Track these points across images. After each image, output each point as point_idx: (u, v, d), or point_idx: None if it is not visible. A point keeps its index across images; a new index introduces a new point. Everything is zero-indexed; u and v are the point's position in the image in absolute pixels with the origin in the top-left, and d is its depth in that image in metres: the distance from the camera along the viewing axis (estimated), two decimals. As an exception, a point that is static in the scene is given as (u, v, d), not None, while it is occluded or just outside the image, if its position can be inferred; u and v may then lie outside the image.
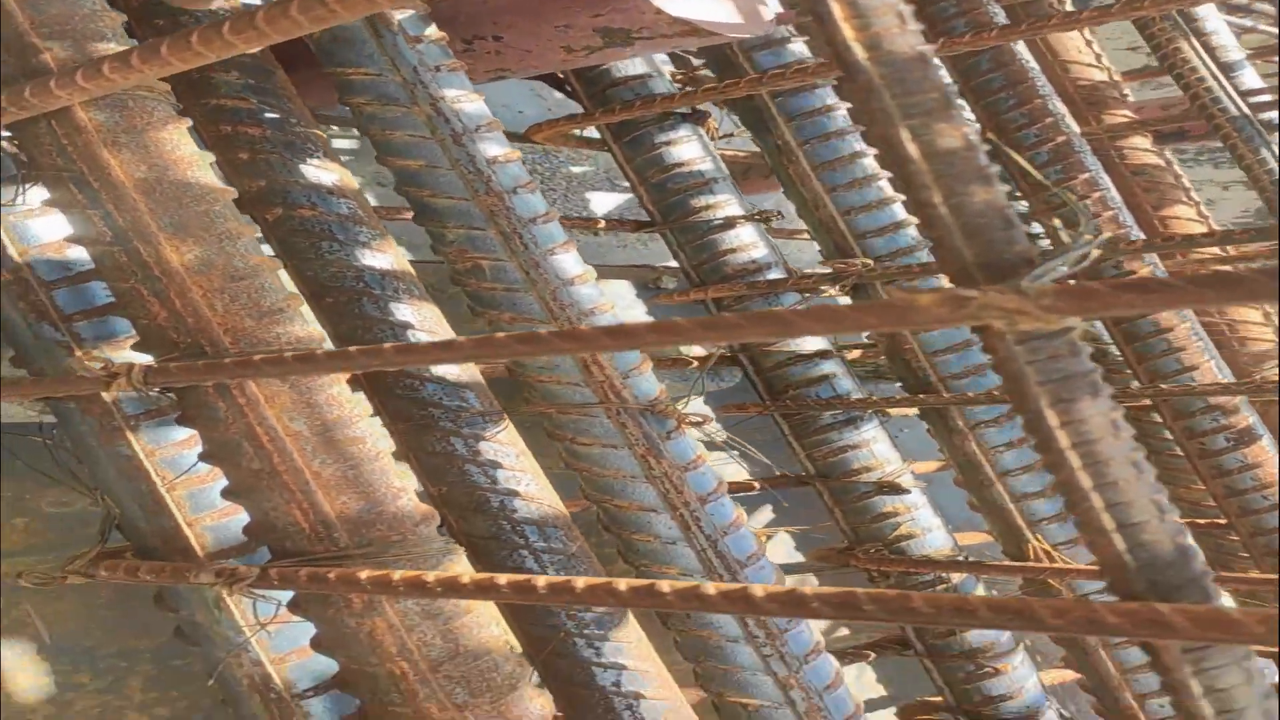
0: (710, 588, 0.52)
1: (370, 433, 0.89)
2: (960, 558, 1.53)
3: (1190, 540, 0.53)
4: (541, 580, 0.59)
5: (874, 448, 1.49)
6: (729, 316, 0.46)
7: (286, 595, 0.89)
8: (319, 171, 1.03)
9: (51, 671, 1.27)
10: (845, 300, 1.56)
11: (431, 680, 0.90)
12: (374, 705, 0.93)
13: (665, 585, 0.52)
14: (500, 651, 0.93)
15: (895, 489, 1.45)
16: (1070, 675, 1.91)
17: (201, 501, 0.87)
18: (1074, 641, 1.74)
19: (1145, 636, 0.45)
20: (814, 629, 1.29)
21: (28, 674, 1.27)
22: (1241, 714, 0.57)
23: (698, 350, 1.57)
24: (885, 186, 1.48)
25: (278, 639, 0.91)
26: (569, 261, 1.17)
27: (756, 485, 1.34)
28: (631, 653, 1.13)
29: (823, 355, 1.48)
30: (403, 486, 0.90)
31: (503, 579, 0.63)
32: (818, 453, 1.48)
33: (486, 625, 0.94)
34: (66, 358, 0.85)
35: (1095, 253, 0.50)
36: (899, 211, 1.50)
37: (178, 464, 0.86)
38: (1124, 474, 0.51)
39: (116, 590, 1.33)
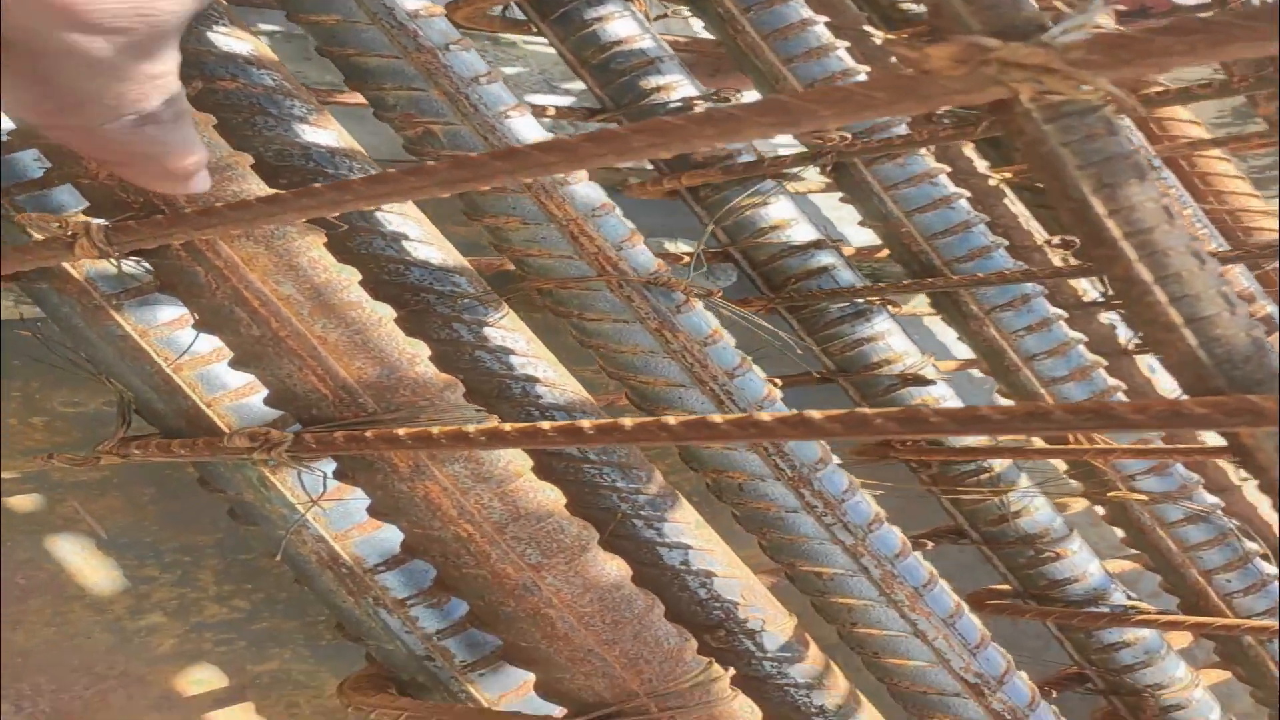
0: (767, 416, 0.49)
1: (365, 299, 0.85)
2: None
3: (1264, 334, 0.49)
4: (586, 423, 0.55)
5: (890, 340, 1.43)
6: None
7: (330, 468, 0.87)
8: (230, 40, 0.96)
9: (118, 566, 1.26)
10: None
11: (500, 541, 0.88)
12: (448, 570, 0.91)
13: (718, 418, 0.49)
14: (562, 514, 0.91)
15: (920, 381, 1.40)
16: (1129, 565, 1.88)
17: (213, 381, 0.83)
18: (1131, 522, 1.71)
19: (1237, 425, 0.41)
20: (871, 501, 1.26)
21: (95, 569, 1.26)
22: (1348, 510, 0.54)
23: (685, 246, 1.51)
24: (845, 56, 1.42)
25: (335, 515, 0.88)
26: (527, 126, 1.12)
27: (778, 383, 1.29)
28: (693, 534, 1.11)
29: (818, 245, 1.40)
30: (415, 353, 0.86)
31: (547, 425, 0.59)
32: (833, 348, 1.43)
33: (542, 489, 0.91)
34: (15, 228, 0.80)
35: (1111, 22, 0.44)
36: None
37: (175, 343, 0.82)
38: (1186, 264, 0.46)
39: (160, 487, 1.31)
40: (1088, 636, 1.78)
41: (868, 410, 0.45)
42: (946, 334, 2.02)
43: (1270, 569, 1.88)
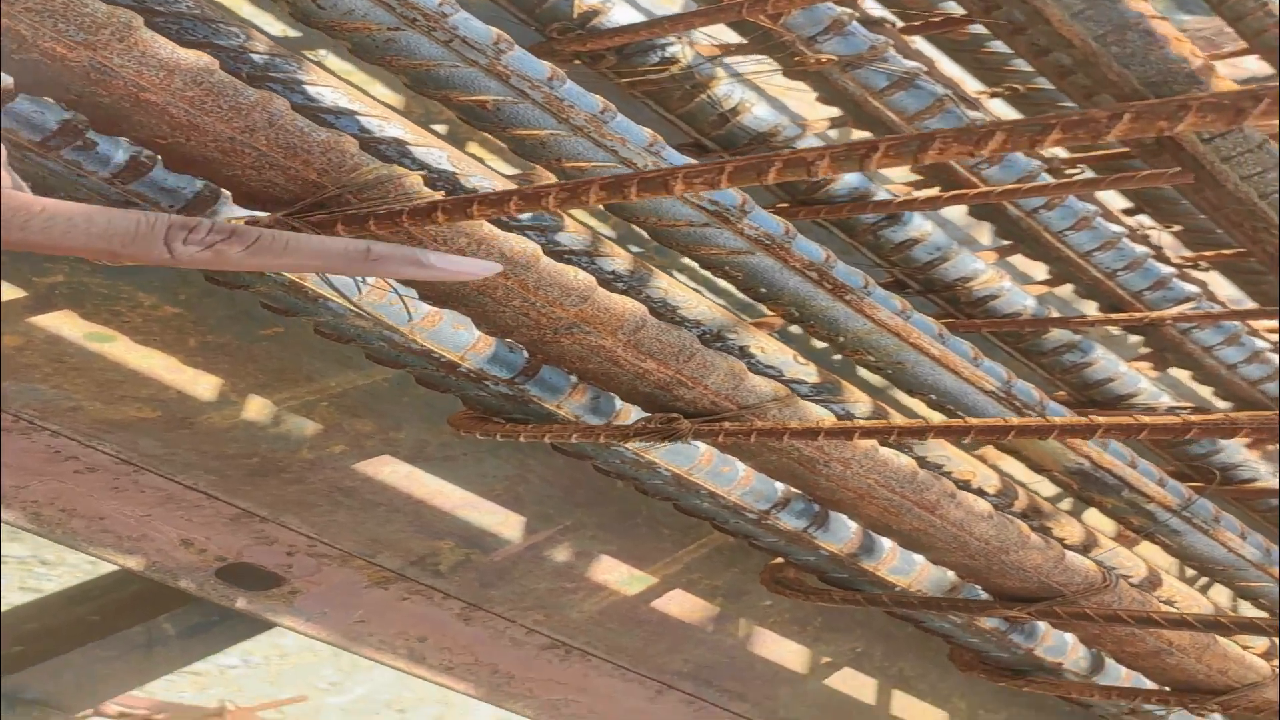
0: None
1: None
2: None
3: None
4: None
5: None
6: None
7: None
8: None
9: None
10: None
11: (42, 22, 0.80)
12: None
13: None
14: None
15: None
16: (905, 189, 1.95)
17: None
18: (843, 98, 1.75)
19: None
20: (488, 28, 1.21)
21: None
22: None
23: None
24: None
25: None
26: None
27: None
28: (353, 100, 1.05)
29: None
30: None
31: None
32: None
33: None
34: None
35: None
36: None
37: None
38: None
39: None
40: (876, 239, 1.83)
41: None
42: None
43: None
